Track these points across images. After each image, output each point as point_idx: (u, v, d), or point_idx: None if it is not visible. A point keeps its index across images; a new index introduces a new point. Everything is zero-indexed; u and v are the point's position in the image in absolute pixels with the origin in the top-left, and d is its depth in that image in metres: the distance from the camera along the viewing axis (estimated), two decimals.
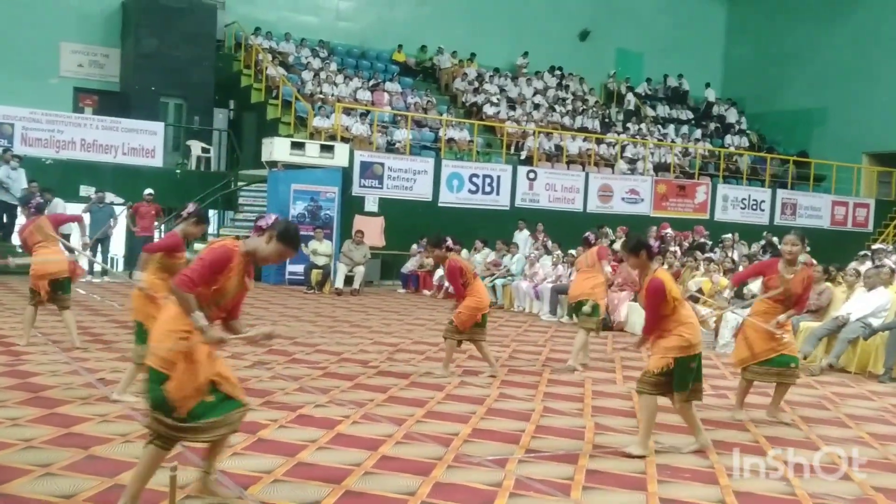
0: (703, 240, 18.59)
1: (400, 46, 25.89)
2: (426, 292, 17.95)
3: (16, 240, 9.31)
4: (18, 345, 8.98)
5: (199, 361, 4.16)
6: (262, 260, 4.49)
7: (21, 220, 9.55)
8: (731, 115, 28.96)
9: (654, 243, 6.67)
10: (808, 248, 11.34)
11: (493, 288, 16.40)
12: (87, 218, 17.44)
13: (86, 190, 17.72)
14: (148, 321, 6.32)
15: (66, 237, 11.10)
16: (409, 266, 18.75)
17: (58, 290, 8.86)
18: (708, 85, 29.80)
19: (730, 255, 15.85)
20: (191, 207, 6.98)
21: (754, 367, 7.10)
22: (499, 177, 21.05)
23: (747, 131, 28.54)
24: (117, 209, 17.75)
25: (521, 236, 18.51)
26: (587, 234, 10.59)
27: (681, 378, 5.85)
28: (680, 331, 5.80)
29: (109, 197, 17.84)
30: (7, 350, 8.74)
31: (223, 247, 4.35)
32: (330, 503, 4.62)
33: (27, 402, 6.51)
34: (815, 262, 10.89)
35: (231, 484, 4.84)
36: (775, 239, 11.21)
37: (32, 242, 8.87)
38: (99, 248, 17.94)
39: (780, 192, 24.86)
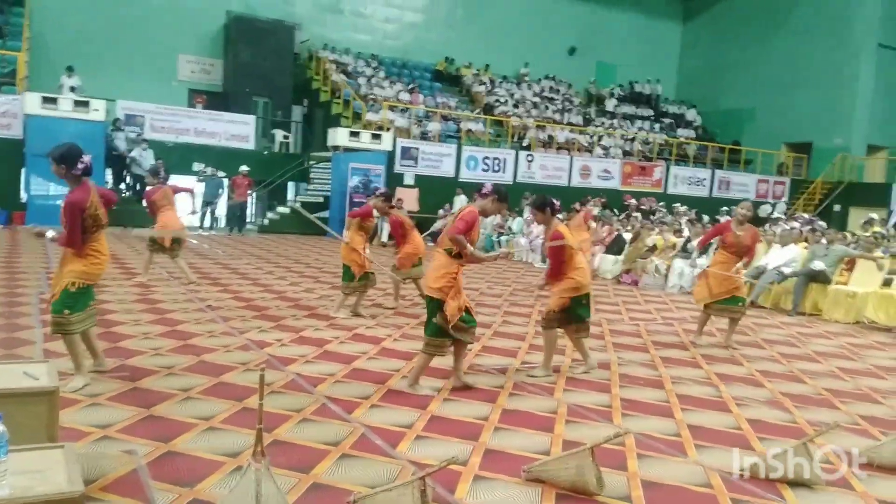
0: (653, 207, 18.50)
1: (448, 59, 25.56)
2: None
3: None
4: (142, 280, 8.92)
5: (460, 292, 4.78)
6: (486, 214, 4.89)
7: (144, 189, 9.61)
8: (690, 115, 28.41)
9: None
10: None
11: (500, 243, 16.37)
12: (200, 186, 17.72)
13: (197, 166, 17.79)
14: (352, 264, 7.41)
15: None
16: (437, 225, 18.64)
17: (174, 243, 8.98)
18: (658, 85, 29.33)
19: (678, 219, 15.72)
20: (381, 189, 7.51)
21: (714, 305, 6.95)
22: (505, 159, 20.89)
23: (695, 125, 28.11)
24: (224, 181, 17.86)
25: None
26: (575, 205, 10.56)
27: (576, 313, 5.46)
28: (572, 275, 5.38)
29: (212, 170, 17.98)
30: (137, 284, 8.84)
31: (471, 212, 4.70)
32: (376, 398, 4.68)
33: (165, 335, 6.19)
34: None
35: (304, 383, 4.91)
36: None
37: (160, 205, 8.95)
38: (208, 210, 18.15)
39: (718, 172, 24.57)
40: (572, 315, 5.47)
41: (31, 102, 15.17)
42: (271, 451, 3.36)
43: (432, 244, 17.91)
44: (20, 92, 16.03)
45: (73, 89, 17.06)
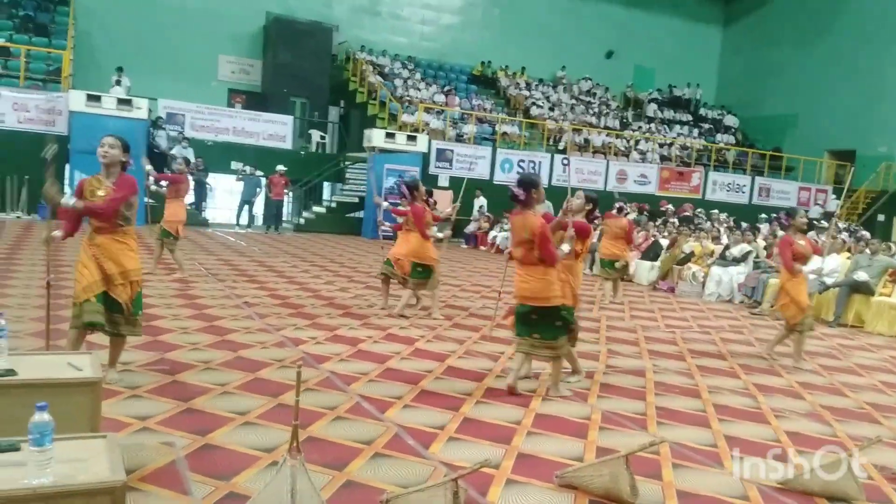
0: (690, 214, 18.25)
1: (484, 63, 25.57)
2: (482, 248, 17.93)
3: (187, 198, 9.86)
4: (182, 276, 9.13)
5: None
6: (540, 203, 4.89)
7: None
8: (729, 120, 27.95)
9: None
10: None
11: None
12: (239, 186, 17.99)
13: (235, 165, 18.04)
14: (433, 262, 7.62)
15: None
16: (471, 228, 18.74)
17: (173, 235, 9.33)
18: (698, 89, 28.94)
19: (716, 226, 15.50)
20: (404, 183, 8.03)
21: (803, 319, 6.56)
22: (540, 162, 20.81)
23: (734, 131, 27.67)
24: (262, 180, 18.08)
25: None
26: (619, 203, 10.42)
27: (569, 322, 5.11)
28: (570, 280, 5.16)
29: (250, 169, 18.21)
30: (176, 280, 9.00)
31: (543, 226, 4.71)
32: (409, 398, 4.69)
33: (203, 330, 6.24)
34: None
35: (338, 381, 4.95)
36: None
37: (182, 194, 9.38)
38: (246, 208, 18.39)
39: (758, 179, 24.18)
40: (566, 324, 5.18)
41: (76, 100, 15.55)
42: (305, 447, 3.39)
43: (465, 246, 18.05)
44: (65, 89, 16.45)
45: (118, 83, 17.44)
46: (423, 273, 7.62)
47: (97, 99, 15.63)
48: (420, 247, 7.62)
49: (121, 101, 15.84)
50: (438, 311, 7.85)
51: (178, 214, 9.30)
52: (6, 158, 15.38)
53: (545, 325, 4.87)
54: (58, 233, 4.43)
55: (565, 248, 4.92)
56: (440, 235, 7.83)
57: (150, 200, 9.75)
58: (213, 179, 18.71)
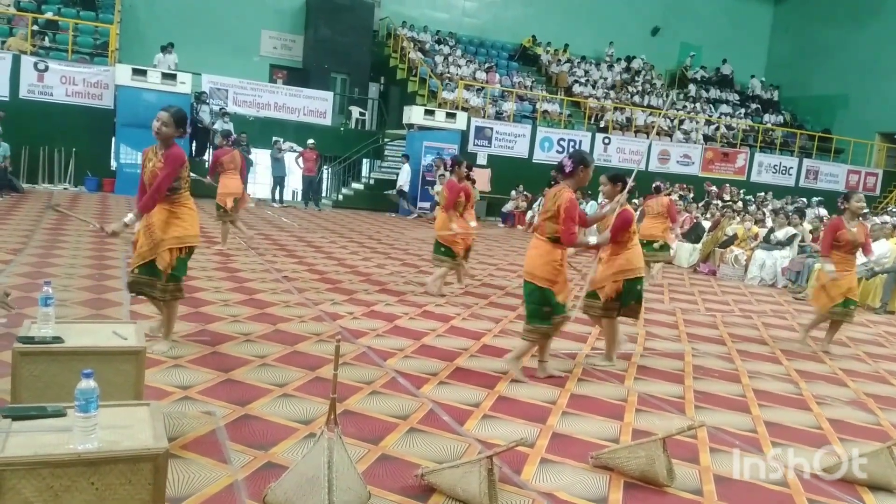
0: (747, 198, 17.74)
1: (526, 40, 25.24)
2: (519, 227, 17.82)
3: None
4: (222, 248, 9.36)
5: (567, 281, 4.68)
6: (581, 185, 4.69)
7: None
8: (778, 100, 27.18)
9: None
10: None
11: None
12: (271, 161, 17.97)
13: (276, 139, 18.13)
14: (453, 245, 7.52)
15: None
16: (508, 207, 18.61)
17: (234, 204, 9.48)
18: (753, 76, 28.14)
19: (761, 208, 15.15)
20: (449, 161, 7.62)
21: (833, 309, 6.32)
22: (580, 141, 20.53)
23: (782, 111, 26.92)
24: (289, 156, 18.04)
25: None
26: (657, 182, 10.20)
27: (628, 298, 5.17)
28: (627, 255, 5.13)
29: (289, 145, 18.20)
30: (217, 252, 9.14)
31: (571, 199, 4.49)
32: (444, 375, 4.71)
33: (243, 303, 6.33)
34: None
35: (375, 357, 4.99)
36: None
37: (227, 167, 9.46)
38: (278, 187, 18.34)
39: (806, 161, 23.54)
40: (624, 300, 5.17)
41: (122, 74, 15.80)
42: (342, 420, 3.42)
43: (503, 225, 17.96)
44: (111, 64, 16.72)
45: (163, 53, 17.54)
46: (444, 252, 7.56)
47: (142, 73, 15.86)
48: (443, 224, 7.60)
49: (165, 76, 16.04)
50: (461, 282, 7.97)
51: (227, 187, 9.46)
52: (55, 131, 15.73)
53: (526, 300, 4.68)
54: (130, 216, 4.41)
55: (591, 239, 4.86)
56: (456, 229, 7.54)
57: (195, 175, 9.77)
58: (255, 155, 18.82)
